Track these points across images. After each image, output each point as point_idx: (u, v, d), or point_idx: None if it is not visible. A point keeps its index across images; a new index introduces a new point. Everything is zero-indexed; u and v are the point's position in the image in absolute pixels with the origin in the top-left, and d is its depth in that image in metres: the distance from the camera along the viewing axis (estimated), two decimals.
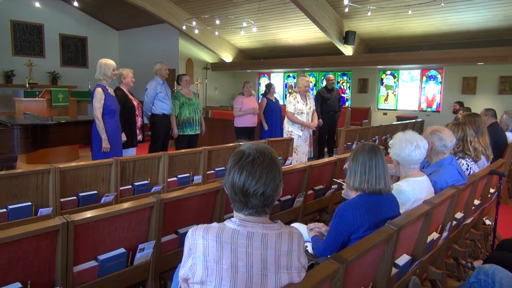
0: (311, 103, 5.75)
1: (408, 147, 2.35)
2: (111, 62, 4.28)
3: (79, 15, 13.25)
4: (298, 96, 5.60)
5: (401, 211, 2.19)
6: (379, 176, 2.02)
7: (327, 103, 7.37)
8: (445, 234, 2.50)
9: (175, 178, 3.71)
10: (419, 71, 11.14)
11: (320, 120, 7.31)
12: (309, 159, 6.15)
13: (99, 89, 4.17)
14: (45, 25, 12.56)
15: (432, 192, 2.48)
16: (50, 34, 12.71)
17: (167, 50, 12.87)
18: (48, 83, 12.41)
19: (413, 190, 2.34)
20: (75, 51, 13.46)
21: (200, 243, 1.29)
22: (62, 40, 13.08)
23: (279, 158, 4.32)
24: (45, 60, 12.61)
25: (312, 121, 5.76)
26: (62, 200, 2.88)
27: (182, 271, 1.34)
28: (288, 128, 5.66)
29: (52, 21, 12.65)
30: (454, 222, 2.64)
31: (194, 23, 10.55)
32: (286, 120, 5.73)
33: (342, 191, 2.49)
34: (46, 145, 4.96)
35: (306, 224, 2.55)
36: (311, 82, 13.08)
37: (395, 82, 11.68)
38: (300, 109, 5.55)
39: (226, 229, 1.31)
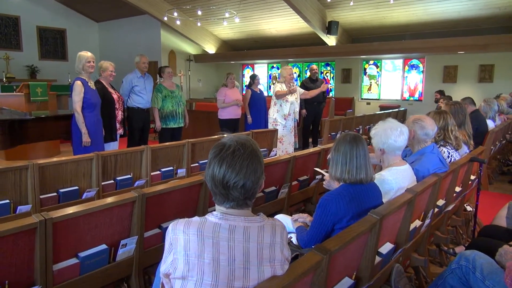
0: (297, 93, 5.74)
1: (393, 133, 2.38)
2: (85, 54, 4.17)
3: (56, 6, 12.91)
4: (284, 86, 5.58)
5: (384, 200, 2.21)
6: (360, 166, 2.03)
7: None
8: (427, 221, 2.54)
9: (158, 172, 3.67)
10: (401, 60, 11.25)
11: (304, 110, 7.33)
12: (294, 149, 6.16)
13: (78, 82, 4.08)
14: (21, 17, 12.19)
15: (415, 180, 2.50)
16: (27, 27, 12.35)
17: (149, 42, 12.67)
18: (26, 77, 12.08)
19: (395, 179, 2.36)
20: (53, 44, 13.12)
21: (181, 238, 1.28)
22: (40, 32, 12.73)
23: (263, 149, 4.28)
24: (23, 53, 12.27)
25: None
26: (42, 196, 2.81)
27: (163, 266, 1.33)
28: (273, 116, 5.65)
29: (29, 13, 12.29)
30: (436, 209, 2.68)
31: (175, 14, 10.40)
32: (270, 109, 5.71)
33: (324, 182, 2.51)
34: (25, 141, 4.85)
35: (291, 215, 2.56)
36: (295, 73, 13.08)
37: (378, 72, 11.77)
38: (285, 97, 5.55)
39: (208, 223, 1.29)
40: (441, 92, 9.04)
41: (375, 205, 2.04)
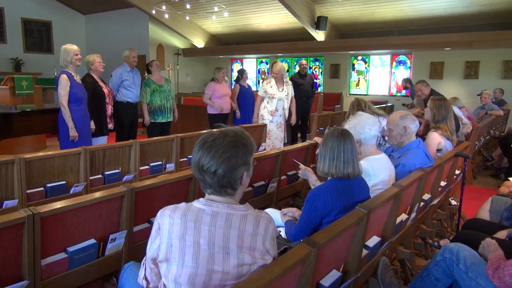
0: (289, 90, 5.69)
1: (367, 122, 2.56)
2: (71, 47, 4.11)
3: None
4: (273, 81, 5.57)
5: None
6: (347, 161, 2.07)
7: (300, 89, 7.38)
8: (413, 215, 2.59)
9: (147, 167, 3.65)
10: (389, 56, 11.34)
11: None
12: (284, 144, 6.18)
13: (64, 76, 4.02)
14: (5, 9, 11.91)
15: (392, 168, 2.60)
16: (11, 18, 12.08)
17: (137, 35, 12.52)
18: (10, 70, 11.83)
19: (372, 168, 2.46)
20: (39, 37, 12.86)
21: (166, 222, 1.34)
22: (25, 24, 12.46)
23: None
24: (7, 45, 12.00)
25: (290, 110, 5.79)
26: (28, 191, 2.78)
27: (150, 251, 1.39)
28: (260, 112, 5.64)
29: (13, 4, 12.01)
30: (422, 203, 2.74)
31: (164, 7, 10.29)
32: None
33: (299, 172, 2.69)
34: (10, 135, 4.78)
35: (280, 209, 2.58)
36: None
37: (366, 68, 11.85)
38: (272, 93, 5.52)
39: (193, 208, 1.35)
40: (408, 81, 9.06)
41: (363, 199, 2.07)
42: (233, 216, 1.33)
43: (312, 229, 2.04)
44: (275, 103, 5.54)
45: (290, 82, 5.90)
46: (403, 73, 11.17)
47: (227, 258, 1.29)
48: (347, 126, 2.59)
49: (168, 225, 1.33)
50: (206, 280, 1.28)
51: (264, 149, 5.02)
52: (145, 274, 1.46)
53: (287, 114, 5.81)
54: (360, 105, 3.59)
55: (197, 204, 1.36)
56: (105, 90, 4.75)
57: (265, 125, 5.28)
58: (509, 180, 3.54)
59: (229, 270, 1.29)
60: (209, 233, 1.29)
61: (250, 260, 1.32)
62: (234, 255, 1.30)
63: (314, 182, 2.64)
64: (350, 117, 2.71)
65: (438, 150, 3.37)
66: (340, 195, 2.04)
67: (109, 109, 4.86)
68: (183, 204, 1.38)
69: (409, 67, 11.01)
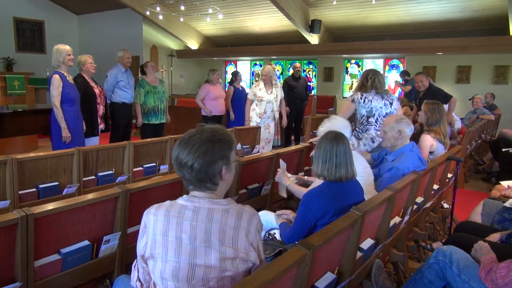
0: (278, 92, 5.67)
1: (342, 124, 2.75)
2: (64, 47, 4.08)
3: None
4: (262, 84, 5.55)
5: None
6: (340, 164, 2.08)
7: (294, 92, 7.40)
8: (406, 218, 2.60)
9: (140, 168, 3.64)
10: (382, 60, 11.42)
11: (287, 108, 7.37)
12: (277, 147, 6.19)
13: (56, 76, 3.99)
14: None
15: (365, 161, 2.71)
16: (3, 18, 11.95)
17: (131, 36, 12.45)
18: (2, 69, 11.67)
19: None
20: (31, 36, 12.74)
21: (151, 219, 1.38)
22: (17, 24, 12.34)
23: (245, 146, 4.34)
24: None
25: (280, 112, 5.77)
26: (20, 192, 2.75)
27: (139, 250, 1.42)
28: (250, 114, 5.61)
29: (5, 3, 11.88)
30: (415, 206, 2.76)
31: (158, 8, 10.25)
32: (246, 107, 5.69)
33: (276, 175, 2.84)
34: (2, 135, 4.74)
35: (274, 211, 2.59)
36: (277, 70, 13.12)
37: (359, 71, 11.91)
38: (261, 96, 5.48)
39: (176, 205, 1.39)
40: (405, 73, 9.10)
41: (357, 201, 2.08)
42: (214, 211, 1.36)
43: (306, 231, 2.05)
44: (263, 105, 5.51)
45: (279, 84, 5.87)
46: (396, 77, 11.26)
47: (209, 252, 1.32)
48: (322, 129, 2.74)
49: (153, 223, 1.37)
50: (189, 274, 1.31)
51: (258, 151, 5.02)
52: (138, 276, 1.46)
53: (277, 116, 5.76)
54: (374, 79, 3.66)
55: (180, 200, 1.40)
56: (97, 91, 4.72)
57: (259, 127, 5.28)
58: (500, 184, 3.59)
59: (211, 264, 1.31)
60: (191, 228, 1.32)
61: (232, 253, 1.33)
62: (215, 249, 1.32)
63: (286, 184, 2.80)
64: (325, 121, 2.85)
65: (431, 153, 3.41)
66: (334, 197, 2.05)
67: (101, 110, 4.83)
68: (167, 202, 1.42)
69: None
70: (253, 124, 5.48)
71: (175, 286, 1.33)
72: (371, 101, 3.60)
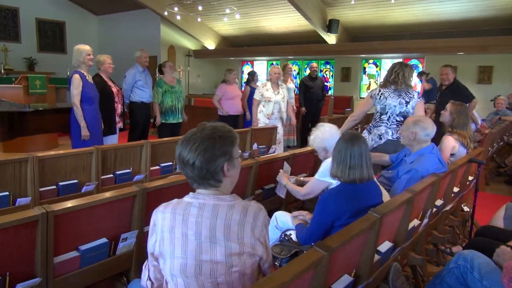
0: (284, 93, 5.56)
1: (331, 131, 2.76)
2: (84, 47, 4.15)
3: None
4: (269, 84, 5.46)
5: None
6: (354, 166, 2.05)
7: (310, 92, 7.36)
8: (425, 221, 2.55)
9: (157, 167, 3.67)
10: (400, 60, 11.24)
11: (303, 108, 7.33)
12: (293, 147, 6.16)
13: (76, 76, 4.06)
14: (20, 9, 12.09)
15: None
16: (26, 18, 12.26)
17: (149, 36, 12.60)
18: (24, 69, 11.99)
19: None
20: (52, 37, 13.03)
21: (159, 217, 1.40)
22: (39, 24, 12.64)
23: (261, 146, 4.38)
24: (21, 45, 12.17)
25: (288, 113, 5.72)
26: (41, 189, 2.81)
27: (150, 248, 1.44)
28: (257, 116, 5.51)
29: (28, 5, 12.19)
30: (434, 209, 2.70)
31: (176, 9, 10.35)
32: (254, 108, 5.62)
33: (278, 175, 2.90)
34: (23, 133, 4.84)
35: (290, 212, 2.58)
36: (294, 70, 13.06)
37: (377, 71, 11.78)
38: (268, 97, 5.40)
39: (182, 202, 1.40)
40: (422, 74, 8.94)
41: (375, 203, 2.05)
42: (220, 207, 1.37)
43: (323, 232, 2.03)
44: (271, 106, 5.41)
45: (284, 86, 5.76)
46: (414, 77, 11.07)
47: (214, 247, 1.33)
48: (312, 137, 2.79)
49: (161, 220, 1.39)
50: (196, 270, 1.32)
51: (274, 151, 5.01)
52: (148, 275, 1.48)
53: (284, 117, 5.64)
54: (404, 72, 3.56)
55: (187, 198, 1.42)
56: (114, 90, 4.78)
57: (275, 128, 5.25)
58: None
59: (217, 259, 1.32)
60: (196, 224, 1.34)
61: (238, 249, 1.34)
62: (220, 244, 1.33)
63: (284, 183, 2.85)
64: (313, 129, 2.88)
65: (452, 155, 3.33)
66: (351, 198, 2.03)
67: (119, 108, 4.89)
68: (175, 200, 1.44)
69: None
70: (261, 125, 5.40)
71: (184, 282, 1.34)
72: (386, 98, 3.54)
